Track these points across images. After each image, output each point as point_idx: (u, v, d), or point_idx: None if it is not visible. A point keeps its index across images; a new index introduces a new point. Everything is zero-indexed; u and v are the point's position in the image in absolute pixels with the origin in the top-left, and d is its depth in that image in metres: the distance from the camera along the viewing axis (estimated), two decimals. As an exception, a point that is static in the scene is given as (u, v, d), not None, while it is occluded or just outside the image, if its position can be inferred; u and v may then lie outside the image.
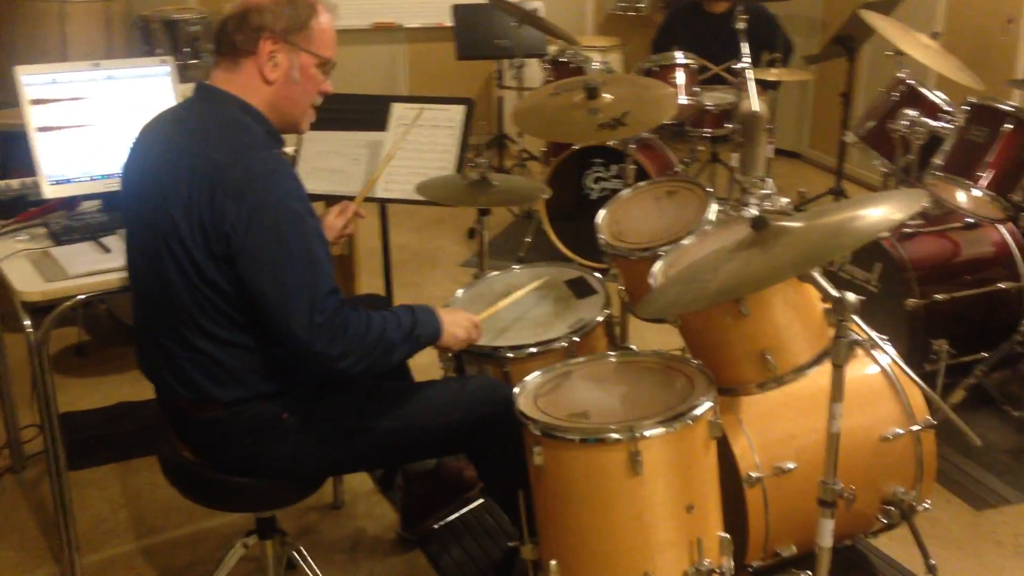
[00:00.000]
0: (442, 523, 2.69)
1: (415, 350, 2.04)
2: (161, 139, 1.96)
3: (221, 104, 1.94)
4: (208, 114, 1.95)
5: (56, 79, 2.59)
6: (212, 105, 1.95)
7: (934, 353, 3.06)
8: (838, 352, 1.80)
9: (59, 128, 2.58)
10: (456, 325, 2.13)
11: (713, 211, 2.51)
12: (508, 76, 5.49)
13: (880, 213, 1.80)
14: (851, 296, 1.76)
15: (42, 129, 2.56)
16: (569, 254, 4.48)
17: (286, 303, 1.83)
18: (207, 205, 1.82)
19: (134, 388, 3.40)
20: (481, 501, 2.75)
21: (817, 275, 1.81)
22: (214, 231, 1.82)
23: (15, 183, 2.82)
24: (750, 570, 2.31)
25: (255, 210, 1.81)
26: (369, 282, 3.69)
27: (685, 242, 2.42)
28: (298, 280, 1.83)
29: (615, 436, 1.85)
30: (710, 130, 4.80)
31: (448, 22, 5.69)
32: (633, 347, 2.81)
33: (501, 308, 2.42)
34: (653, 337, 3.69)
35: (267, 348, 1.93)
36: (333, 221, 2.42)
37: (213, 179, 1.82)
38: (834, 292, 1.77)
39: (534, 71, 5.49)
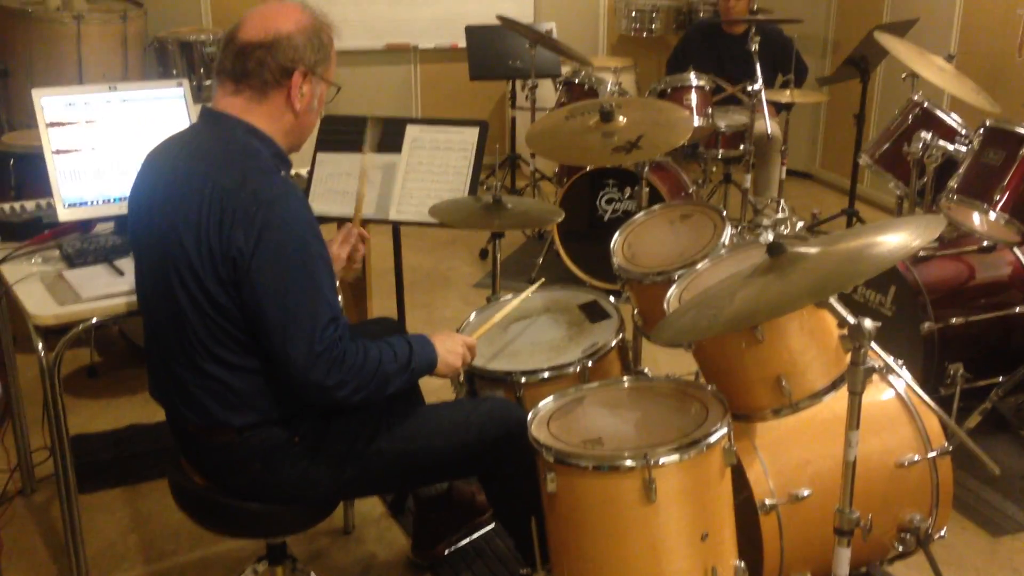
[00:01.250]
0: (453, 548, 2.67)
1: (411, 381, 2.04)
2: (168, 165, 1.96)
3: (228, 128, 1.94)
4: (215, 138, 1.94)
5: (72, 101, 2.60)
6: (219, 129, 1.95)
7: (949, 377, 3.03)
8: (855, 379, 1.79)
9: (75, 150, 2.60)
10: (451, 353, 2.13)
11: (728, 235, 2.49)
12: (521, 97, 5.50)
13: (898, 240, 1.79)
14: (869, 322, 1.74)
15: (58, 151, 2.57)
16: (581, 275, 4.47)
17: (286, 330, 1.82)
18: (216, 230, 1.82)
19: (145, 410, 3.40)
20: (492, 526, 2.73)
21: (835, 301, 1.80)
22: (222, 256, 1.82)
23: (30, 205, 2.83)
24: (765, 598, 2.28)
25: (261, 235, 1.81)
26: (381, 303, 3.69)
27: (700, 266, 2.41)
28: (300, 307, 1.83)
29: (629, 463, 1.83)
30: (723, 151, 4.81)
31: (461, 43, 5.72)
32: (646, 371, 2.80)
33: (494, 324, 2.41)
34: (666, 361, 3.67)
35: (275, 373, 1.92)
36: (338, 251, 2.41)
37: (223, 204, 1.82)
38: (851, 319, 1.76)
39: (547, 91, 5.50)
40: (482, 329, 2.38)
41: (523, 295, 2.54)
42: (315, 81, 1.97)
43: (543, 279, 2.66)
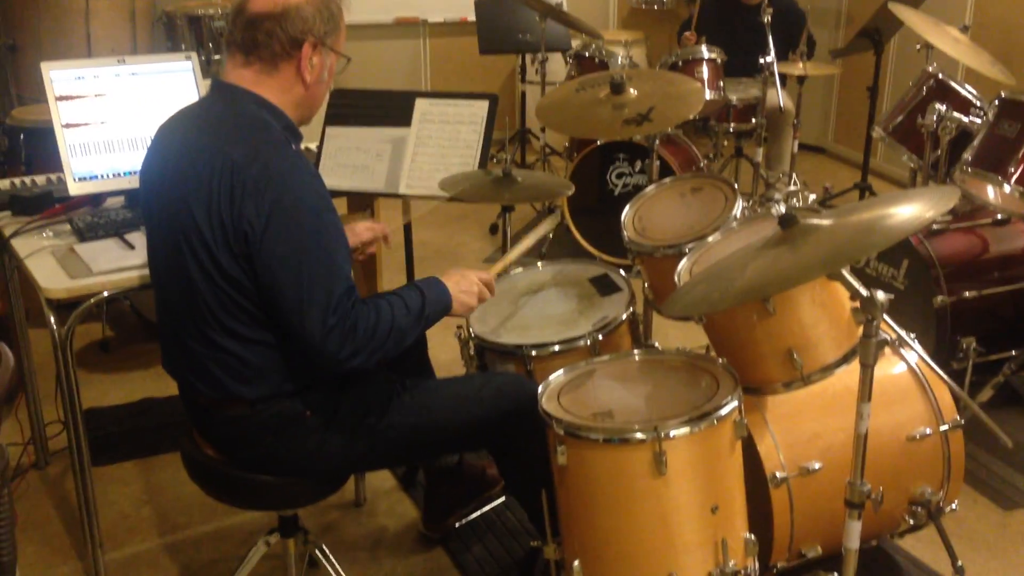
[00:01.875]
0: (464, 521, 2.68)
1: (427, 328, 2.03)
2: (180, 137, 1.96)
3: (239, 100, 1.93)
4: (226, 111, 1.94)
5: (81, 75, 2.60)
6: (230, 102, 1.94)
7: (962, 351, 3.02)
8: (866, 352, 1.78)
9: (84, 124, 2.59)
10: (465, 293, 2.10)
11: (739, 208, 2.48)
12: (531, 71, 5.47)
13: (911, 211, 1.77)
14: (881, 294, 1.73)
15: (68, 125, 2.57)
16: (592, 250, 4.46)
17: (302, 303, 1.82)
18: (227, 203, 1.82)
19: (158, 384, 3.41)
20: (503, 499, 2.74)
21: (847, 273, 1.79)
22: (234, 229, 1.82)
23: (41, 179, 2.84)
24: (775, 571, 2.29)
25: (274, 207, 1.80)
26: (392, 278, 3.69)
27: (711, 239, 2.40)
28: (315, 279, 1.83)
29: (639, 436, 1.83)
30: (735, 125, 4.77)
31: (471, 17, 5.68)
32: (656, 345, 2.79)
33: (511, 260, 2.38)
34: (677, 335, 3.66)
35: (290, 345, 1.92)
36: (362, 232, 2.40)
37: (233, 177, 1.81)
38: (863, 291, 1.75)
39: (557, 66, 5.47)
40: (499, 266, 2.34)
41: (539, 232, 2.49)
42: (325, 52, 1.97)
43: (558, 209, 2.62)
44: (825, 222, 1.82)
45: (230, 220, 1.82)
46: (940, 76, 3.50)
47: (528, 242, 2.44)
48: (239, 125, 1.90)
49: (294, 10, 1.91)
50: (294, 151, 1.93)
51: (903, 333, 2.32)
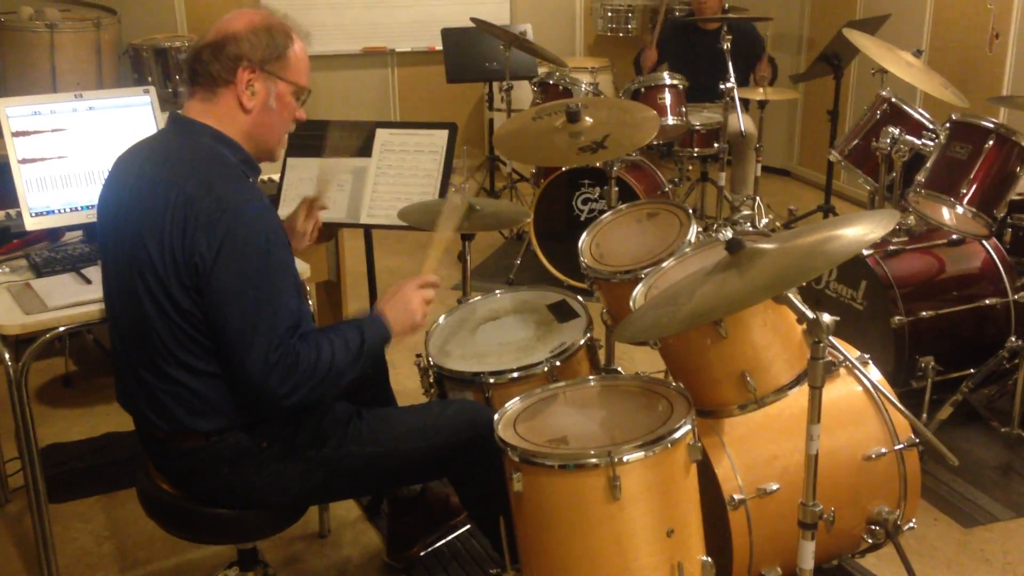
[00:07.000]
0: (428, 550, 2.67)
1: (368, 363, 2.03)
2: (135, 171, 1.97)
3: (195, 134, 1.95)
4: (182, 145, 1.95)
5: (38, 111, 2.61)
6: (186, 136, 1.96)
7: (921, 370, 3.05)
8: (814, 374, 1.80)
9: (41, 160, 2.60)
10: (404, 312, 2.11)
11: (694, 233, 2.51)
12: (498, 99, 5.51)
13: (854, 233, 1.81)
14: (826, 317, 1.76)
15: (24, 161, 2.57)
16: (559, 275, 4.49)
17: (245, 337, 1.83)
18: (179, 236, 1.83)
19: (121, 418, 3.36)
20: (467, 527, 2.74)
21: (792, 296, 1.81)
22: (185, 261, 1.83)
23: (0, 215, 2.83)
24: (736, 593, 2.30)
25: (224, 242, 1.81)
26: (357, 307, 3.70)
27: (665, 265, 2.42)
28: (260, 315, 1.84)
29: (593, 461, 1.84)
30: (698, 149, 4.83)
31: (438, 46, 5.73)
32: (619, 369, 2.81)
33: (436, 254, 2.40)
34: (643, 359, 3.68)
35: (232, 379, 1.92)
36: (303, 225, 2.43)
37: (186, 211, 1.83)
38: (809, 313, 1.77)
39: (525, 93, 5.52)
40: (429, 263, 2.35)
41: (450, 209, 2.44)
42: (267, 79, 1.97)
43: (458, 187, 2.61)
44: (770, 246, 1.85)
45: (182, 253, 1.83)
46: (893, 100, 3.55)
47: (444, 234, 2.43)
48: (194, 158, 1.92)
49: (231, 38, 1.94)
50: (249, 185, 1.94)
51: (851, 357, 2.34)
